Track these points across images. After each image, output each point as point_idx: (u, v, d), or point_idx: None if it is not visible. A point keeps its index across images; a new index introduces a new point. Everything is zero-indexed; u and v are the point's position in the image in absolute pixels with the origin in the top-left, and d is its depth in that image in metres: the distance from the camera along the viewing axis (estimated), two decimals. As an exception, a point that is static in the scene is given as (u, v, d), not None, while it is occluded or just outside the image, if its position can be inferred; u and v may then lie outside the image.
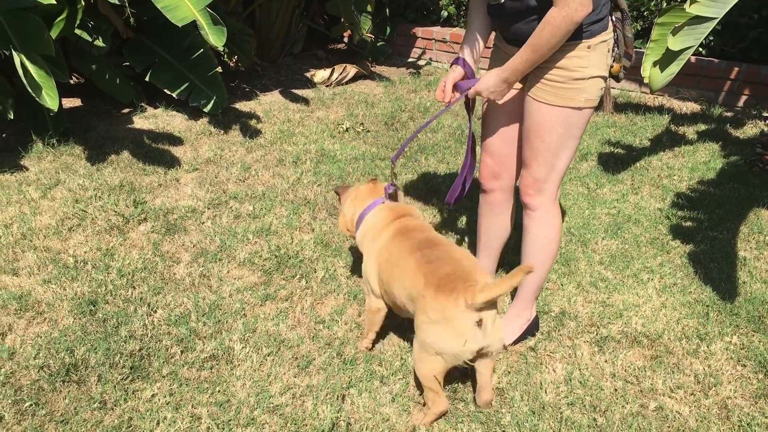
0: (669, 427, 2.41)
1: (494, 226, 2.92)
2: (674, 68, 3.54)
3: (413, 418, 2.39)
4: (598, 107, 2.60)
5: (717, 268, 3.36)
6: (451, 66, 2.66)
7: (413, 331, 2.36)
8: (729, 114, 5.61)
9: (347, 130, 5.14)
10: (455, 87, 2.64)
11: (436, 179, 4.31)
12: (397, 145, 4.88)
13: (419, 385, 2.43)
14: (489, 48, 2.75)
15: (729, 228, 3.75)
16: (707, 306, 3.07)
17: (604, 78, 2.45)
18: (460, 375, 2.56)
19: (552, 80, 2.40)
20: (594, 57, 2.36)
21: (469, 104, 2.73)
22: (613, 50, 2.46)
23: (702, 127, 5.32)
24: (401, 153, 2.80)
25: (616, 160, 4.67)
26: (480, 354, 2.26)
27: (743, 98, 5.71)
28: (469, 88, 2.58)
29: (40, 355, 2.63)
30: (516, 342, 2.81)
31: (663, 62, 3.55)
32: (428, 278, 2.27)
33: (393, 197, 2.76)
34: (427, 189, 4.16)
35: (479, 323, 2.18)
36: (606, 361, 2.73)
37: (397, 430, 2.36)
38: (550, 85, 2.41)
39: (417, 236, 2.51)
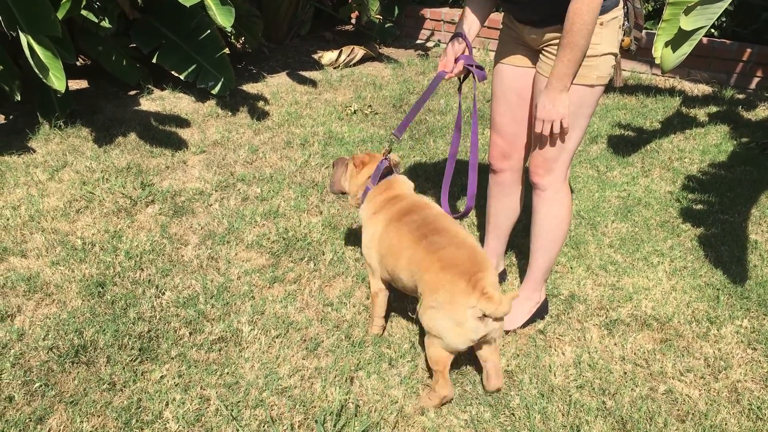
0: (678, 410, 2.40)
1: (504, 207, 2.90)
2: (686, 48, 3.50)
3: (422, 400, 2.39)
4: (609, 84, 2.56)
5: (728, 252, 3.33)
6: (451, 40, 2.60)
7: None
8: (741, 96, 5.54)
9: (355, 112, 5.11)
10: (457, 60, 2.61)
11: (445, 162, 4.28)
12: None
13: (429, 368, 2.43)
14: (487, 27, 2.71)
15: (740, 211, 3.72)
16: (718, 289, 3.05)
17: (615, 55, 2.42)
18: (468, 357, 2.56)
19: None
20: (606, 33, 2.33)
21: (461, 84, 2.71)
22: (623, 25, 2.43)
23: (713, 109, 5.26)
24: (406, 127, 2.74)
25: (627, 143, 4.63)
26: (481, 341, 2.27)
27: (755, 80, 5.64)
28: (472, 65, 2.58)
29: (49, 336, 2.64)
30: (525, 325, 2.80)
31: (675, 42, 3.51)
32: (445, 263, 2.26)
33: (386, 172, 2.72)
34: (435, 171, 4.13)
35: (482, 317, 2.19)
36: (615, 345, 2.71)
37: (406, 412, 2.36)
38: None
39: (419, 218, 2.50)
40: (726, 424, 2.33)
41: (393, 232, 2.47)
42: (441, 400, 2.36)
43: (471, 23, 2.60)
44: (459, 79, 2.68)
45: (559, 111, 2.38)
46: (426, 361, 2.48)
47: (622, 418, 2.34)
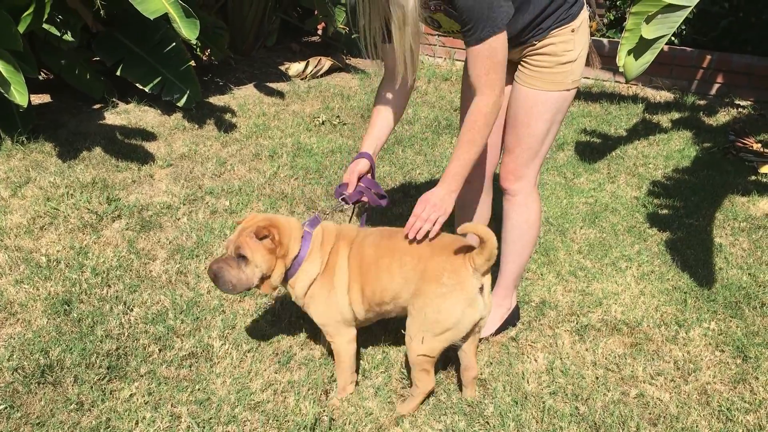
0: (650, 413, 2.42)
1: (474, 216, 2.90)
2: (649, 57, 3.56)
3: (399, 409, 2.37)
4: (585, 71, 2.56)
5: (693, 255, 3.39)
6: (357, 159, 2.50)
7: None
8: (702, 102, 5.66)
9: (323, 123, 5.11)
10: (360, 180, 2.51)
11: (413, 171, 4.29)
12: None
13: (407, 372, 2.41)
14: (453, 38, 2.63)
15: (704, 215, 3.79)
16: (685, 293, 3.10)
17: (587, 53, 2.47)
18: (440, 366, 2.56)
19: (539, 66, 2.40)
20: (578, 38, 2.38)
21: (362, 208, 2.58)
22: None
23: (676, 115, 5.37)
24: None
25: (592, 150, 4.69)
26: (475, 327, 2.26)
27: (716, 86, 5.77)
28: (372, 191, 2.48)
29: (14, 356, 2.57)
30: (497, 332, 2.80)
31: (637, 51, 3.56)
32: (434, 247, 2.24)
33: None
34: (404, 180, 4.14)
35: (481, 290, 2.19)
36: (587, 350, 2.74)
37: (381, 423, 2.34)
38: (537, 71, 2.41)
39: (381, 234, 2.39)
40: (697, 426, 2.36)
41: (364, 251, 2.31)
42: (425, 396, 2.35)
43: (374, 141, 2.54)
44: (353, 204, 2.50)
45: (447, 209, 2.31)
46: (406, 362, 2.47)
47: (596, 423, 2.36)
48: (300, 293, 2.35)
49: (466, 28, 2.17)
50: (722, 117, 5.31)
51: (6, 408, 2.34)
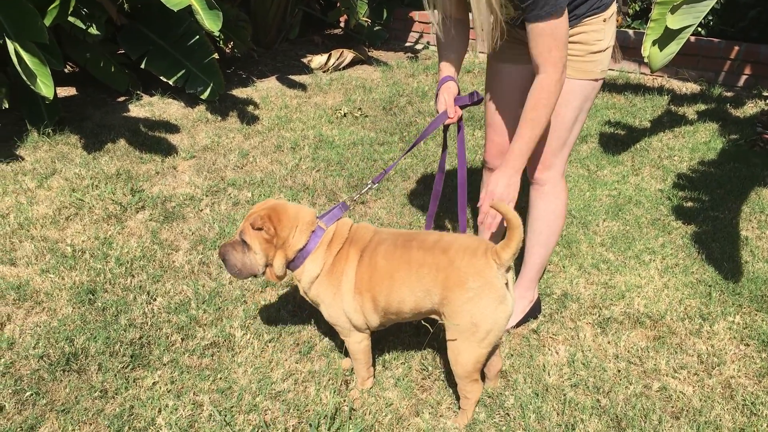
0: (673, 407, 2.40)
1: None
2: (674, 47, 3.51)
3: (459, 421, 2.33)
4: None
5: (719, 248, 3.34)
6: (444, 84, 2.53)
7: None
8: (729, 94, 5.57)
9: (345, 115, 5.11)
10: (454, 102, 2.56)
11: (435, 163, 4.28)
12: (396, 129, 4.85)
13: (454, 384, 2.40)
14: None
15: (730, 208, 3.73)
16: (710, 286, 3.06)
17: (613, 45, 2.45)
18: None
19: (570, 54, 2.37)
20: (608, 29, 2.36)
21: (461, 128, 2.64)
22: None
23: (702, 107, 5.29)
24: (384, 175, 2.46)
25: (616, 142, 4.64)
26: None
27: (743, 78, 5.67)
28: (467, 104, 2.54)
29: (40, 344, 2.62)
30: (518, 324, 2.79)
31: (662, 41, 3.52)
32: (451, 254, 2.13)
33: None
34: (426, 172, 4.13)
35: (506, 285, 2.12)
36: (609, 343, 2.71)
37: (401, 413, 2.35)
38: (568, 59, 2.38)
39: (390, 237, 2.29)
40: (720, 420, 2.33)
41: (376, 261, 2.21)
42: (476, 403, 2.31)
43: (452, 63, 2.56)
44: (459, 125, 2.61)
45: (512, 194, 2.27)
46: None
47: (617, 416, 2.34)
48: (305, 287, 2.30)
49: (525, 4, 2.14)
50: (749, 109, 5.22)
51: (32, 395, 2.38)
